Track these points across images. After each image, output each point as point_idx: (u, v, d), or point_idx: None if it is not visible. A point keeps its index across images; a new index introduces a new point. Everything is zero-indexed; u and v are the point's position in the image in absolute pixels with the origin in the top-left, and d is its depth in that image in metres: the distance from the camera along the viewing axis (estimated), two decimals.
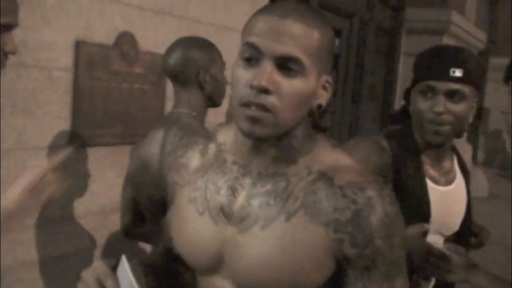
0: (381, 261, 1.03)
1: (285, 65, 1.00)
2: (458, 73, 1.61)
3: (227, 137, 1.18)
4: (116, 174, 2.77)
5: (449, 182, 1.76)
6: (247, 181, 1.11)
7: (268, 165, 1.10)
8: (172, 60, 2.04)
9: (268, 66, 0.99)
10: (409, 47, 6.57)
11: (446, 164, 1.77)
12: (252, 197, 1.09)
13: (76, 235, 2.69)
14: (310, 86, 1.03)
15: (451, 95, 1.62)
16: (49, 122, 2.46)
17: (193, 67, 2.05)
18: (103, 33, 2.65)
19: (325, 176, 1.06)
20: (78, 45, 2.51)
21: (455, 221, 1.77)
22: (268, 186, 1.08)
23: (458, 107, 1.63)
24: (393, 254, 1.04)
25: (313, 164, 1.09)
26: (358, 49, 5.83)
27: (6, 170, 2.28)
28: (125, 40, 2.74)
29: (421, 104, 1.67)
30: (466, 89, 1.62)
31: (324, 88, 1.09)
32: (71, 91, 2.52)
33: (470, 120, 1.69)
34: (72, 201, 2.64)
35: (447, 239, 1.76)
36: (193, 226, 1.15)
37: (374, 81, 6.39)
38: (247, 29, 1.05)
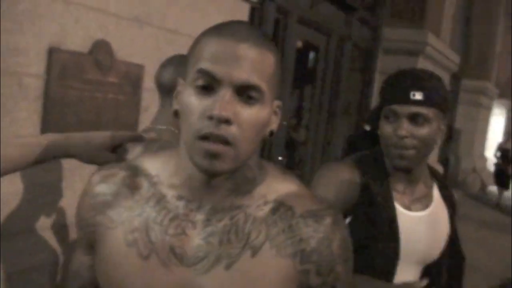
0: (340, 286, 1.04)
1: (244, 93, 0.93)
2: (418, 96, 1.59)
3: (158, 168, 1.07)
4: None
5: (423, 208, 1.72)
6: (198, 217, 1.01)
7: (222, 198, 1.02)
8: (167, 74, 1.96)
9: (227, 95, 0.92)
10: (385, 66, 6.61)
11: (420, 189, 1.73)
12: (209, 234, 1.00)
13: (40, 249, 2.60)
14: (267, 113, 0.97)
15: (414, 118, 1.60)
16: (17, 131, 2.37)
17: None
18: (78, 40, 2.57)
19: (284, 206, 1.02)
20: (51, 52, 2.43)
21: (432, 249, 1.73)
22: (226, 221, 1.01)
23: (422, 131, 1.61)
24: (349, 276, 1.05)
25: (268, 193, 1.04)
26: (335, 66, 5.84)
27: None
28: (101, 49, 2.67)
29: (386, 128, 1.65)
30: (429, 112, 1.60)
31: (275, 113, 1.03)
32: (41, 98, 2.44)
33: (438, 142, 1.68)
34: (38, 212, 2.55)
35: (426, 270, 1.73)
36: (137, 273, 1.02)
37: (350, 98, 6.41)
38: (196, 53, 0.97)
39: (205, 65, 0.93)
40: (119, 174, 1.08)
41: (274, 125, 1.02)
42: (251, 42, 0.93)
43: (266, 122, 0.98)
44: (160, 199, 1.03)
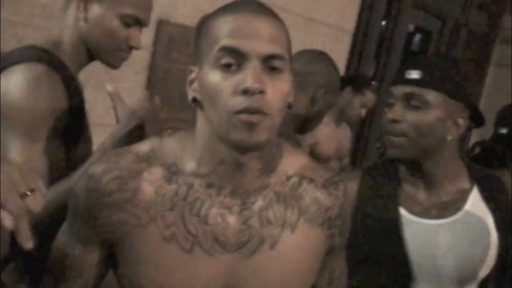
0: (345, 239, 1.15)
1: (270, 64, 0.93)
2: (415, 74, 1.36)
3: (176, 155, 1.00)
4: None
5: (448, 215, 1.43)
6: (233, 202, 1.00)
7: (253, 179, 1.01)
8: (297, 65, 1.83)
9: (256, 67, 0.91)
10: (503, 57, 6.20)
11: (446, 192, 1.45)
12: (248, 217, 1.00)
13: None
14: (289, 83, 0.97)
15: (408, 99, 1.36)
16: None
17: (316, 78, 1.88)
18: (186, 13, 2.54)
19: (305, 179, 1.07)
20: (160, 24, 2.42)
21: (473, 264, 1.43)
22: (260, 202, 1.01)
23: (415, 116, 1.36)
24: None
25: (288, 168, 1.06)
26: (447, 53, 5.53)
27: None
28: None
29: (385, 115, 1.41)
30: (427, 94, 1.35)
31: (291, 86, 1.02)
32: (147, 70, 2.44)
33: (449, 138, 1.39)
34: None
35: None
36: (180, 268, 0.98)
37: None
38: (211, 34, 0.94)
39: (227, 42, 0.91)
40: (132, 166, 0.99)
41: (291, 97, 1.00)
42: (265, 15, 0.94)
43: (289, 92, 0.98)
44: (189, 189, 0.99)
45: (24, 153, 1.32)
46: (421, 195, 1.45)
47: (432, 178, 1.44)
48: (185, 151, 1.00)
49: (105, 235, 1.01)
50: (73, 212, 1.04)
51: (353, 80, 3.05)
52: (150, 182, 0.99)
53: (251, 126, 0.90)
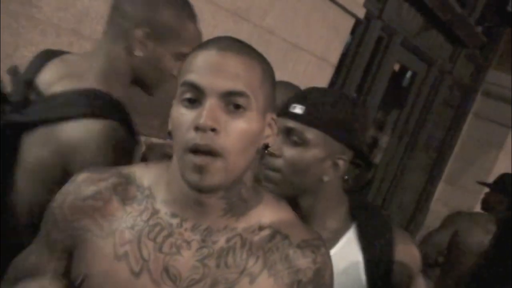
0: None
1: (231, 101, 0.91)
2: (298, 109, 1.28)
3: (151, 181, 1.02)
4: None
5: None
6: (193, 238, 0.97)
7: (217, 219, 0.98)
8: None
9: (212, 104, 0.90)
10: (481, 109, 6.28)
11: (323, 230, 1.30)
12: (205, 256, 0.96)
13: None
14: (258, 123, 0.95)
15: (288, 134, 1.29)
16: None
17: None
18: None
19: (280, 234, 1.01)
20: None
21: None
22: (221, 243, 0.97)
23: (293, 152, 1.28)
24: None
25: (262, 218, 1.02)
26: (428, 97, 5.57)
27: None
28: None
29: None
30: (309, 132, 1.27)
31: (270, 126, 1.00)
32: None
33: (325, 179, 1.31)
34: None
35: None
36: None
37: (435, 133, 6.12)
38: (184, 67, 0.96)
39: (188, 77, 0.92)
40: (110, 180, 1.02)
41: (269, 139, 1.00)
42: (234, 51, 0.93)
43: (257, 133, 0.95)
44: (154, 214, 0.99)
45: None
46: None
47: (309, 216, 1.35)
48: (161, 178, 1.01)
49: (69, 240, 1.01)
50: (47, 215, 1.04)
51: None
52: (122, 198, 1.00)
53: (200, 169, 0.90)
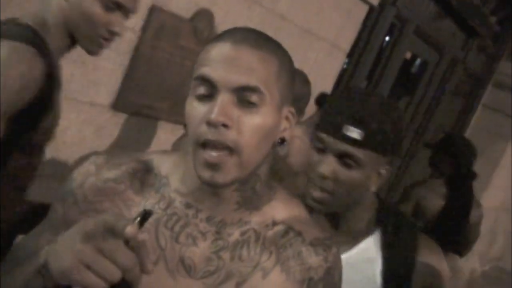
0: None
1: (244, 97, 0.89)
2: (355, 134, 1.24)
3: (168, 170, 1.01)
4: (149, 149, 2.63)
5: None
6: (208, 229, 0.96)
7: (231, 212, 0.97)
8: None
9: (224, 99, 0.87)
10: (491, 100, 6.22)
11: (347, 233, 1.38)
12: (220, 248, 0.95)
13: None
14: (273, 118, 0.92)
15: (341, 157, 1.27)
16: (99, 78, 2.32)
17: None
18: (182, 4, 2.48)
19: (293, 230, 0.99)
20: (152, 9, 2.35)
21: None
22: (236, 236, 0.96)
23: (346, 174, 1.27)
24: None
25: (276, 214, 1.00)
26: (439, 86, 5.53)
27: None
28: (202, 17, 2.57)
29: (313, 155, 1.31)
30: (362, 153, 1.26)
31: (287, 119, 0.97)
32: (130, 53, 2.38)
33: (373, 188, 1.33)
34: None
35: None
36: (142, 279, 0.91)
37: (444, 122, 6.09)
38: (199, 60, 0.93)
39: (202, 71, 0.90)
40: (131, 164, 1.00)
41: (286, 132, 0.97)
42: (250, 44, 0.90)
43: (272, 128, 0.93)
44: (170, 203, 0.97)
45: None
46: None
47: (339, 217, 1.38)
48: (178, 167, 1.00)
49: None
50: (65, 194, 1.01)
51: None
52: (141, 184, 0.99)
53: (213, 167, 0.88)
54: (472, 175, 3.22)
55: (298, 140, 2.89)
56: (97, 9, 1.43)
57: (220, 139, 0.87)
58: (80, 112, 2.31)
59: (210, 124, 0.87)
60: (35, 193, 2.27)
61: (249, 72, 0.88)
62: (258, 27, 2.65)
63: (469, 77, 6.09)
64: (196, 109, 0.90)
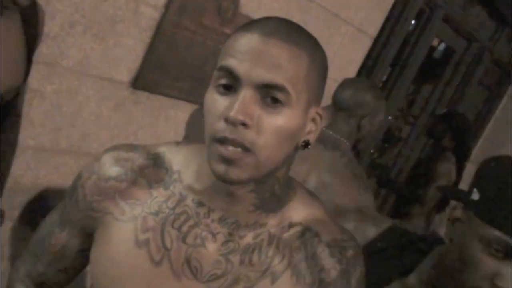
0: None
1: (268, 95, 0.84)
2: None
3: (181, 164, 0.97)
4: (166, 129, 2.59)
5: None
6: (220, 230, 0.92)
7: (246, 213, 0.93)
8: (346, 95, 2.21)
9: (247, 96, 0.82)
10: None
11: None
12: (230, 251, 0.92)
13: None
14: (297, 119, 0.87)
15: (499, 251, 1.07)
16: (119, 55, 2.27)
17: (362, 110, 2.20)
18: None
19: (310, 231, 0.96)
20: None
21: None
22: (248, 239, 0.93)
23: None
24: None
25: (294, 215, 0.97)
26: (465, 75, 5.40)
27: (57, 88, 2.13)
28: None
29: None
30: None
31: (313, 121, 0.92)
32: (152, 30, 2.32)
33: None
34: (113, 138, 2.48)
35: None
36: (143, 278, 0.92)
37: (468, 112, 5.97)
38: (224, 48, 0.88)
39: (227, 62, 0.85)
40: (138, 160, 0.97)
41: (311, 135, 0.92)
42: (280, 37, 0.84)
43: (296, 130, 0.87)
44: (181, 201, 0.94)
45: None
46: None
47: None
48: (191, 162, 0.97)
49: (89, 220, 0.98)
50: (71, 190, 1.01)
51: None
52: (148, 181, 0.96)
53: (227, 161, 0.84)
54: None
55: None
56: None
57: (237, 138, 0.83)
58: (99, 88, 2.27)
59: (228, 121, 0.82)
60: (50, 169, 2.25)
61: (276, 68, 0.83)
62: (284, 9, 2.61)
63: (496, 67, 5.95)
64: (216, 101, 0.86)
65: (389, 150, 5.58)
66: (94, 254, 0.98)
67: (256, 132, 0.83)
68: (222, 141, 0.83)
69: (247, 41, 0.84)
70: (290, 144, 0.89)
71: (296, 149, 0.93)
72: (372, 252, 1.25)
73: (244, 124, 0.82)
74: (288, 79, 0.84)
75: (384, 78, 4.45)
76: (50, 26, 1.99)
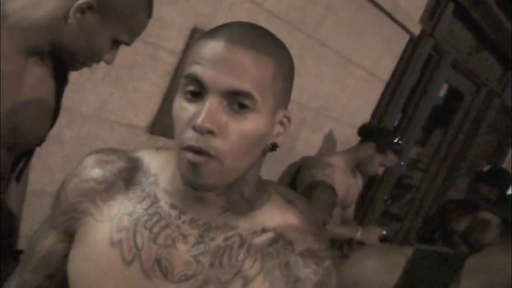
0: None
1: (234, 101, 0.84)
2: None
3: (157, 168, 0.99)
4: None
5: None
6: (191, 232, 0.93)
7: (216, 216, 0.94)
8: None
9: (213, 103, 0.83)
10: None
11: None
12: (201, 253, 0.92)
13: None
14: (265, 124, 0.87)
15: None
16: (137, 100, 2.29)
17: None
18: None
19: (283, 239, 0.94)
20: (194, 32, 2.32)
21: None
22: (219, 241, 0.93)
23: None
24: None
25: (267, 220, 0.95)
26: (475, 120, 5.41)
27: (76, 134, 2.13)
28: None
29: None
30: None
31: (281, 123, 0.93)
32: (170, 75, 2.34)
33: None
34: None
35: None
36: (114, 277, 0.93)
37: (478, 157, 5.94)
38: (191, 55, 0.88)
39: (193, 69, 0.85)
40: (117, 163, 0.99)
41: (278, 138, 0.93)
42: (244, 44, 0.84)
43: (264, 134, 0.89)
44: (154, 203, 0.96)
45: None
46: None
47: None
48: (168, 166, 0.98)
49: (71, 221, 1.00)
50: (56, 196, 1.04)
51: (379, 137, 2.96)
52: (126, 183, 0.98)
53: (194, 167, 0.85)
54: None
55: (340, 172, 2.87)
56: (106, 46, 1.39)
57: (203, 147, 0.84)
58: (117, 133, 2.27)
59: (196, 129, 0.83)
60: None
61: (242, 75, 0.84)
62: (298, 53, 2.63)
63: (506, 111, 5.96)
64: (184, 109, 0.86)
65: (400, 198, 5.55)
66: (71, 254, 0.99)
67: (222, 139, 0.84)
68: (189, 149, 0.84)
69: (213, 48, 0.85)
70: (257, 148, 0.90)
71: (265, 151, 0.93)
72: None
73: (211, 132, 0.83)
74: (254, 85, 0.84)
75: (396, 123, 4.46)
76: (70, 72, 2.00)
